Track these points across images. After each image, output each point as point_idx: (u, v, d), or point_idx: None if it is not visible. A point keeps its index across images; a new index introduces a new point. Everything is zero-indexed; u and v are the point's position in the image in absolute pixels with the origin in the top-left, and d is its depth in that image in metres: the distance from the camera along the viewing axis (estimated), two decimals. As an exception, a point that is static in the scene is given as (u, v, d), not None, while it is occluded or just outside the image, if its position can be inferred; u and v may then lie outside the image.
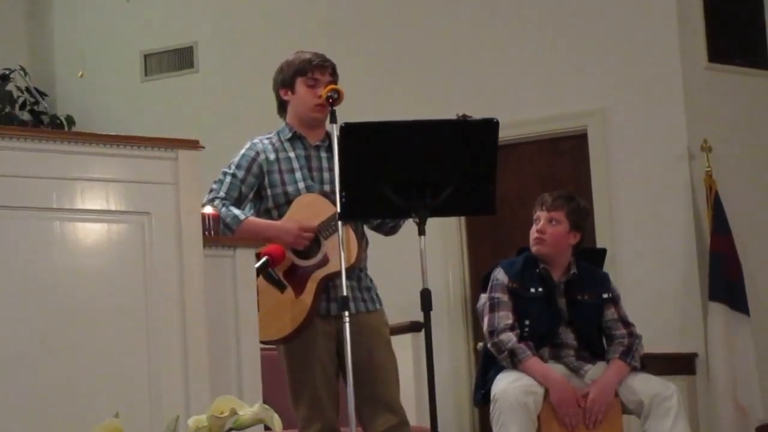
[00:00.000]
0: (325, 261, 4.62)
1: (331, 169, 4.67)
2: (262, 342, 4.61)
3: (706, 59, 7.74)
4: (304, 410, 4.67)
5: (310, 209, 4.67)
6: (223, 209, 4.63)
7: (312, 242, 4.65)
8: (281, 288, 4.55)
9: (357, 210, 4.46)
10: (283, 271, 4.62)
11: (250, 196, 4.77)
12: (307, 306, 4.60)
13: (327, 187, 4.68)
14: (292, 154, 4.79)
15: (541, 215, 5.20)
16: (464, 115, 4.67)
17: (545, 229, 5.18)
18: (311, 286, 4.62)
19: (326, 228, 4.62)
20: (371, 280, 4.84)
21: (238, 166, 4.76)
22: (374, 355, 4.69)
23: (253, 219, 4.70)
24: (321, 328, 4.64)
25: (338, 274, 4.52)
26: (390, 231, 4.89)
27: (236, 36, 8.78)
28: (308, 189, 4.72)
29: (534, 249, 5.20)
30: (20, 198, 3.41)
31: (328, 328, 4.64)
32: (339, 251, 4.49)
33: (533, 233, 5.20)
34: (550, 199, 5.21)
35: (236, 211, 4.66)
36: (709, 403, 7.27)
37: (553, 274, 5.20)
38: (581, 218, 5.29)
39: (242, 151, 4.80)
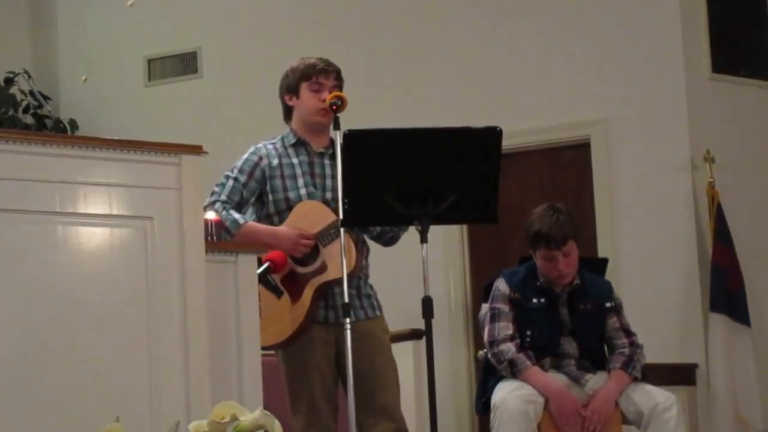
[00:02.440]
0: (323, 268, 4.62)
1: (333, 177, 4.66)
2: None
3: (709, 70, 7.75)
4: (302, 418, 4.66)
5: (309, 216, 4.66)
6: (224, 212, 4.63)
7: (311, 249, 4.65)
8: (277, 294, 4.56)
9: (359, 217, 4.46)
10: (281, 277, 4.62)
11: (252, 200, 4.77)
12: (304, 313, 4.60)
13: (329, 195, 4.68)
14: (295, 160, 4.79)
15: (556, 254, 5.06)
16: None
17: (565, 264, 5.10)
18: (308, 293, 4.61)
19: (325, 235, 4.62)
20: (371, 288, 4.83)
21: (240, 170, 4.76)
22: (374, 362, 4.69)
23: (252, 224, 4.69)
24: (319, 336, 4.64)
25: (336, 281, 4.53)
26: (389, 242, 4.89)
27: (240, 41, 8.78)
28: (310, 196, 4.72)
29: (559, 283, 5.13)
30: (23, 201, 3.42)
31: (327, 335, 4.64)
32: (340, 258, 4.48)
33: (552, 271, 5.08)
34: (560, 235, 5.04)
35: (236, 215, 4.65)
36: (709, 413, 7.27)
37: (557, 286, 5.18)
38: (579, 230, 5.25)
39: (245, 156, 4.80)
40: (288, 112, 4.89)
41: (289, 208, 4.72)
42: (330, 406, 4.68)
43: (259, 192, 4.77)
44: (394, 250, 5.07)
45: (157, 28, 9.05)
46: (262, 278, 4.48)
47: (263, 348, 4.63)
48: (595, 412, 4.99)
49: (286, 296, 4.61)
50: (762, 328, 7.54)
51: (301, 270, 4.66)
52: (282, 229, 4.67)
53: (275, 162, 4.77)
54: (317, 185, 4.75)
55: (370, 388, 4.64)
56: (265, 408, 3.05)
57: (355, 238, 4.68)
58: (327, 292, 4.62)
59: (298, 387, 4.67)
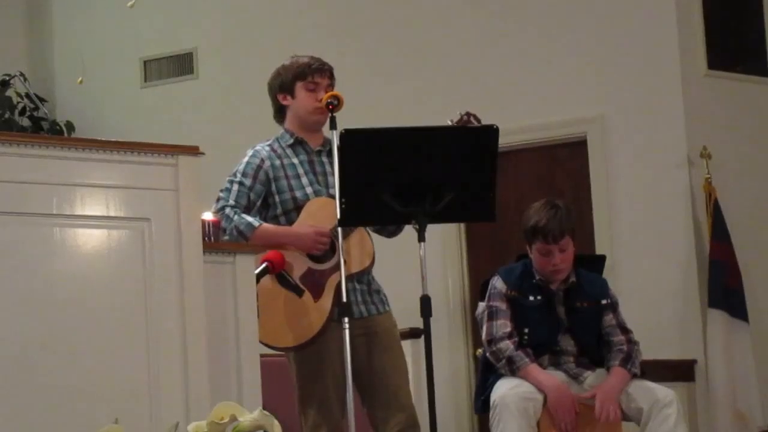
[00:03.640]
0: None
1: (333, 174, 4.66)
2: (280, 349, 4.63)
3: (705, 66, 7.75)
4: (312, 416, 4.66)
5: (322, 213, 4.66)
6: (236, 217, 4.61)
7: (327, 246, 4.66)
8: (299, 293, 4.55)
9: (357, 216, 4.47)
10: (300, 276, 4.62)
11: (258, 204, 4.76)
12: (327, 309, 4.59)
13: (332, 191, 4.67)
14: (295, 160, 4.78)
15: (552, 249, 5.06)
16: (468, 113, 4.66)
17: (561, 259, 5.10)
18: (329, 290, 4.61)
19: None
20: (378, 284, 4.84)
21: (244, 174, 4.74)
22: (387, 356, 4.71)
23: (267, 225, 4.67)
24: (333, 334, 4.63)
25: (354, 275, 4.55)
26: (393, 232, 4.89)
27: (236, 42, 8.78)
28: (316, 193, 4.73)
29: (554, 279, 5.14)
30: (20, 204, 3.42)
31: (341, 332, 4.62)
32: (356, 252, 4.53)
33: (547, 266, 5.08)
34: (557, 229, 5.05)
35: (250, 218, 4.63)
36: (708, 409, 7.27)
37: (552, 283, 5.18)
38: (576, 226, 5.26)
39: (246, 159, 4.78)
40: (281, 112, 4.88)
41: (296, 208, 4.71)
42: (340, 404, 4.68)
43: (264, 194, 4.76)
44: (392, 249, 5.07)
45: (152, 30, 9.05)
46: (280, 278, 4.49)
47: (287, 349, 4.64)
48: (603, 404, 4.95)
49: (308, 295, 4.60)
50: (761, 324, 7.54)
51: (319, 267, 4.65)
52: (298, 228, 4.67)
53: (277, 163, 4.76)
54: (321, 183, 4.76)
55: (385, 382, 4.67)
56: (264, 408, 3.05)
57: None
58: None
59: (311, 385, 4.66)
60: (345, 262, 4.56)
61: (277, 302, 4.53)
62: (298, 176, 4.75)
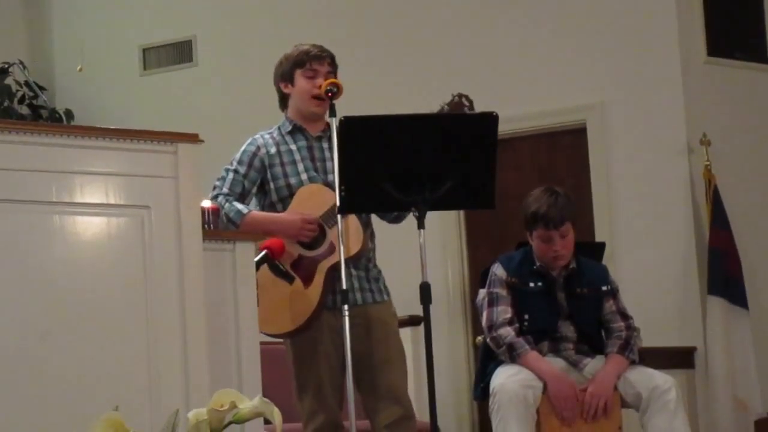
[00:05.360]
0: (331, 250, 4.63)
1: (333, 159, 4.66)
2: (273, 336, 4.64)
3: (705, 53, 7.74)
4: (308, 402, 4.67)
5: (312, 200, 4.67)
6: (227, 205, 4.65)
7: (318, 232, 4.66)
8: (289, 280, 4.55)
9: (356, 204, 4.47)
10: (291, 262, 4.62)
11: (254, 191, 4.78)
12: (317, 296, 4.60)
13: (330, 177, 4.68)
14: (293, 147, 4.80)
15: (553, 235, 5.04)
16: (460, 95, 4.65)
17: (562, 246, 5.10)
18: (319, 277, 4.62)
19: (330, 217, 4.62)
20: (379, 271, 4.84)
21: (239, 162, 4.77)
22: (381, 347, 4.70)
23: (256, 213, 4.70)
24: (327, 321, 4.64)
25: (347, 261, 4.54)
26: (395, 219, 4.89)
27: (235, 30, 8.78)
28: (311, 180, 4.73)
29: (555, 266, 5.13)
30: (20, 192, 3.42)
31: (335, 320, 4.63)
32: (346, 239, 4.51)
33: (548, 252, 5.07)
34: (558, 215, 5.03)
35: (239, 206, 4.66)
36: (707, 397, 7.28)
37: (553, 270, 5.18)
38: (576, 213, 5.25)
39: (243, 147, 4.82)
40: (284, 100, 4.90)
41: (292, 195, 4.73)
42: (336, 392, 4.69)
43: (260, 182, 4.77)
44: (392, 236, 5.07)
45: (152, 17, 9.04)
46: (269, 266, 4.49)
47: (278, 336, 4.65)
48: (593, 395, 4.99)
49: (298, 282, 4.61)
50: (760, 312, 7.55)
51: (309, 254, 4.66)
52: (285, 215, 4.69)
53: (273, 150, 4.78)
54: (318, 169, 4.76)
55: (377, 373, 4.66)
56: (264, 395, 3.05)
57: (359, 217, 4.68)
58: (336, 275, 4.61)
59: (305, 372, 4.67)
60: (335, 249, 4.58)
61: (268, 289, 4.54)
62: (294, 162, 4.76)
